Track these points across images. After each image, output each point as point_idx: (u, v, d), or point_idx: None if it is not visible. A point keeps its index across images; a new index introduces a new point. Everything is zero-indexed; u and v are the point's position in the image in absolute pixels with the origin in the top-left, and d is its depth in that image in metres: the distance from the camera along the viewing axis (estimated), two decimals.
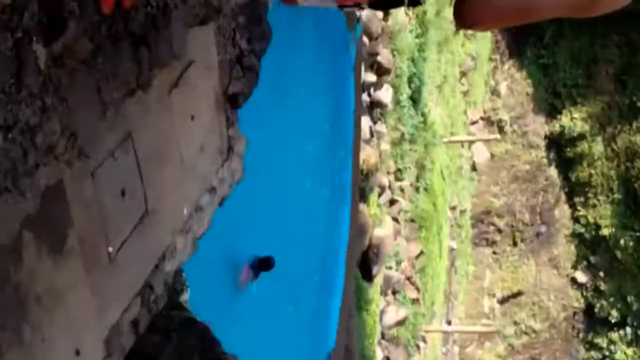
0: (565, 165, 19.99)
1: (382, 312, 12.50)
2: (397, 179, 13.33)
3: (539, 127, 20.22)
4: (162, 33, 3.37)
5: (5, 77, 2.33)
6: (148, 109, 3.46)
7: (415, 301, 14.16)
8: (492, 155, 20.09)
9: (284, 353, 8.15)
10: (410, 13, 12.21)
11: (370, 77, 11.43)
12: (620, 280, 18.88)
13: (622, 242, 18.60)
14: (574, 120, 19.61)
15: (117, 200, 3.29)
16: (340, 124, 9.81)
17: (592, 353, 19.43)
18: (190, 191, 4.23)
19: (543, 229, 19.99)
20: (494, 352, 19.76)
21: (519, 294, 19.93)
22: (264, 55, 5.17)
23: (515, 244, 20.16)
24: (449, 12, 13.51)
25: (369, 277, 11.59)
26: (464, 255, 19.05)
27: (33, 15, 2.41)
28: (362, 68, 10.78)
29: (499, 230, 20.12)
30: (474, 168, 19.86)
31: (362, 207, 11.20)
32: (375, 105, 11.93)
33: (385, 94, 11.98)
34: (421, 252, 14.27)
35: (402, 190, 13.48)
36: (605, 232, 19.02)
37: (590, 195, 19.47)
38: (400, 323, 13.06)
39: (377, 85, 11.73)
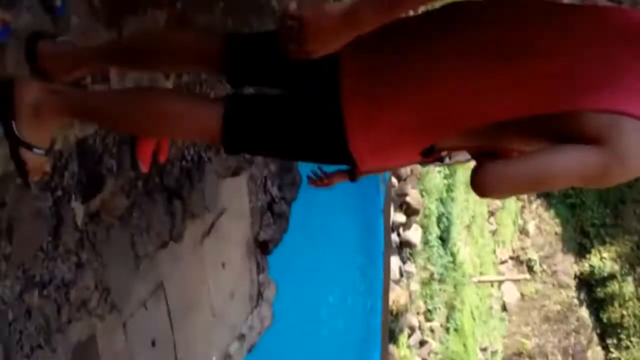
0: (597, 305, 19.64)
1: None
2: (427, 320, 13.15)
3: (568, 266, 20.02)
4: (196, 186, 3.45)
5: (44, 235, 2.38)
6: (180, 259, 3.49)
7: None
8: (522, 295, 19.83)
9: None
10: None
11: (400, 217, 11.49)
12: None
13: None
14: (603, 260, 19.41)
15: (147, 350, 3.29)
16: (370, 266, 9.80)
17: None
18: (219, 339, 4.21)
19: None
20: None
21: None
22: (295, 201, 5.25)
23: None
24: None
25: None
26: None
27: (73, 174, 2.49)
28: (392, 208, 10.86)
29: None
30: (504, 308, 19.56)
31: (392, 349, 11.01)
32: (404, 245, 11.94)
33: (414, 234, 12.00)
34: None
35: (432, 330, 13.28)
36: None
37: (622, 336, 19.01)
38: None
39: (406, 225, 11.77)
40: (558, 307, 19.83)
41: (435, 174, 12.72)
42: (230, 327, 4.38)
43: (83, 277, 2.61)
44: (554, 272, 20.00)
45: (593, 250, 19.68)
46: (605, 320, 19.36)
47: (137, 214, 2.95)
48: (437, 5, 1.94)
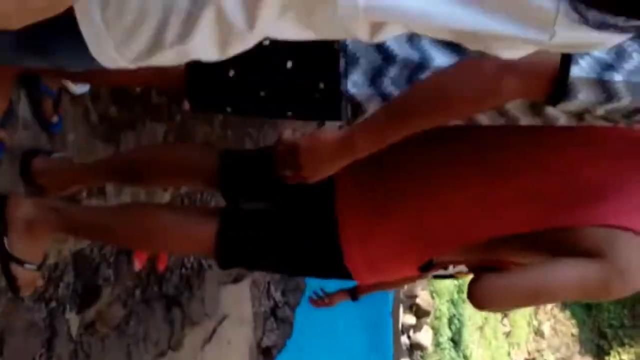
0: None
1: None
2: None
3: None
4: (196, 293, 3.46)
5: (37, 347, 2.39)
6: None
7: None
8: None
9: None
10: None
11: (410, 319, 11.37)
12: None
13: None
14: None
15: None
16: None
17: None
18: None
19: None
20: None
21: None
22: (298, 306, 5.23)
23: None
24: None
25: None
26: None
27: (68, 285, 2.51)
28: (401, 310, 10.75)
29: None
30: None
31: None
32: (415, 347, 11.77)
33: (425, 336, 11.84)
34: None
35: None
36: None
37: None
38: None
39: (417, 327, 11.63)
40: None
41: None
42: None
43: None
44: None
45: (612, 352, 19.30)
46: None
47: (134, 323, 2.95)
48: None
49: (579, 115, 1.74)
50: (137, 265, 2.98)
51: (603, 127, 1.79)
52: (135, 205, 2.56)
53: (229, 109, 2.03)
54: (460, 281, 13.40)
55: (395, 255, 1.92)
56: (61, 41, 1.11)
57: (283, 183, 1.86)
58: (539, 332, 19.87)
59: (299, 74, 1.90)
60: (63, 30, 1.07)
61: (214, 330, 3.89)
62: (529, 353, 19.55)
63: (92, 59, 1.11)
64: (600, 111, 1.66)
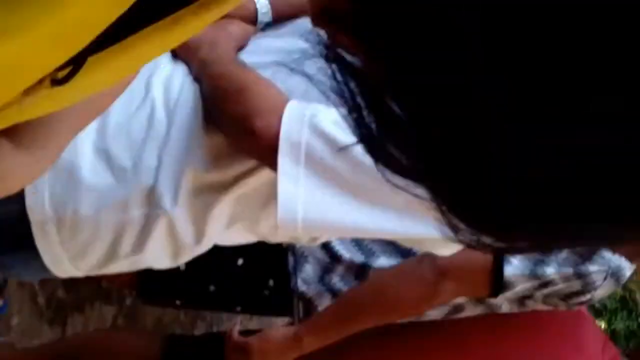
0: None
1: None
2: None
3: None
4: None
5: None
6: None
7: None
8: None
9: None
10: None
11: None
12: None
13: None
14: None
15: None
16: None
17: None
18: None
19: None
20: None
21: None
22: None
23: None
24: None
25: None
26: None
27: None
28: None
29: None
30: None
31: None
32: None
33: None
34: None
35: None
36: None
37: None
38: None
39: None
40: None
41: None
42: None
43: None
44: None
45: None
46: None
47: None
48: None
49: (520, 300, 1.82)
50: None
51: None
52: None
53: (178, 302, 2.05)
54: None
55: None
56: (15, 252, 1.13)
57: None
58: None
59: (248, 270, 1.94)
60: (17, 242, 1.10)
61: None
62: None
63: (46, 269, 1.14)
64: (538, 295, 1.76)
